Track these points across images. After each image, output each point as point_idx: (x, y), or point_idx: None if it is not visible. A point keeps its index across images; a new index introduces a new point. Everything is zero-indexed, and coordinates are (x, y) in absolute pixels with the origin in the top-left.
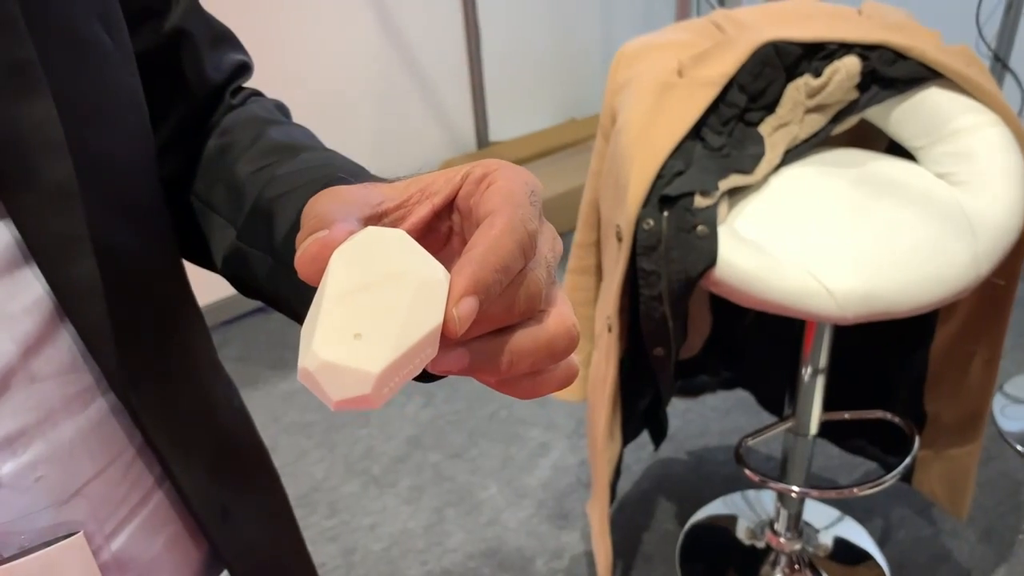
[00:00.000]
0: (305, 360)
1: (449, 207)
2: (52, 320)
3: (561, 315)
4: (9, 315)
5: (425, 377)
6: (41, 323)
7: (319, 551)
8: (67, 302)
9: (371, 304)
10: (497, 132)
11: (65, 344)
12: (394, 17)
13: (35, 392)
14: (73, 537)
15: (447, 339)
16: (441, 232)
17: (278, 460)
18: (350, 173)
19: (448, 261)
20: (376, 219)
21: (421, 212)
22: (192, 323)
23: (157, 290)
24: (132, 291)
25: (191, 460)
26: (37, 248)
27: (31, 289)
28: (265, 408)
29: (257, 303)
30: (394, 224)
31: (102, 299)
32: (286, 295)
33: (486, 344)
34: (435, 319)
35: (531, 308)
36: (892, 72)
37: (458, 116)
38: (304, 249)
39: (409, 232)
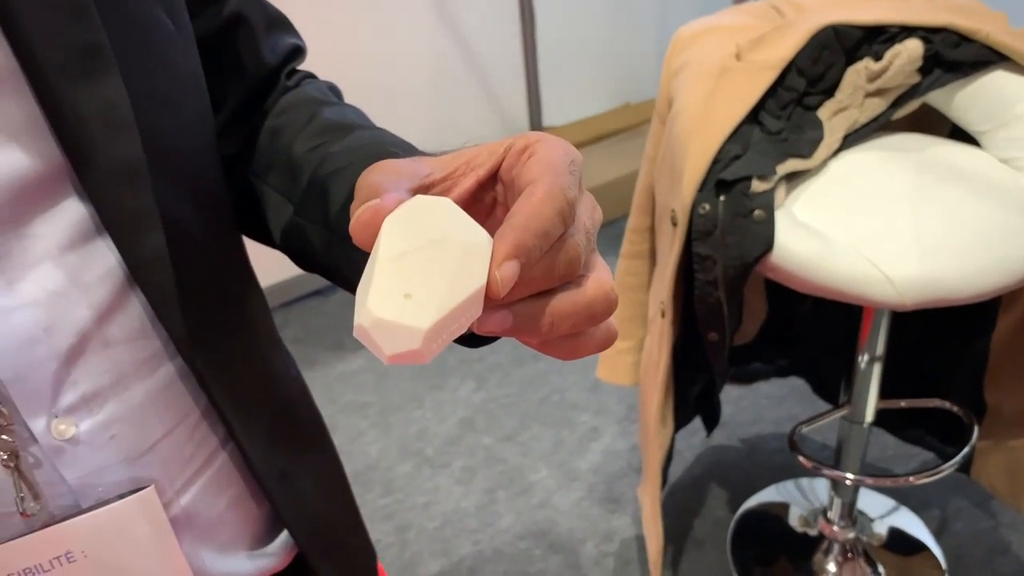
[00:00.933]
0: (360, 317)
1: (493, 178)
2: (123, 289)
3: (599, 280)
4: (84, 284)
5: (473, 341)
6: (113, 291)
7: (374, 528)
8: (137, 271)
9: (420, 266)
10: (551, 117)
11: (135, 311)
12: (450, 3)
13: (109, 356)
14: (146, 490)
15: (491, 300)
16: (485, 203)
17: (335, 439)
18: (400, 148)
19: (492, 230)
20: (424, 190)
21: (466, 183)
22: (252, 295)
23: (219, 262)
24: (196, 262)
25: (252, 424)
26: (109, 221)
27: (104, 259)
28: (322, 388)
29: (314, 286)
30: (441, 195)
31: (169, 269)
32: (341, 265)
33: (528, 307)
34: (479, 280)
35: (570, 272)
36: (956, 55)
37: (512, 101)
38: (357, 216)
39: (455, 202)
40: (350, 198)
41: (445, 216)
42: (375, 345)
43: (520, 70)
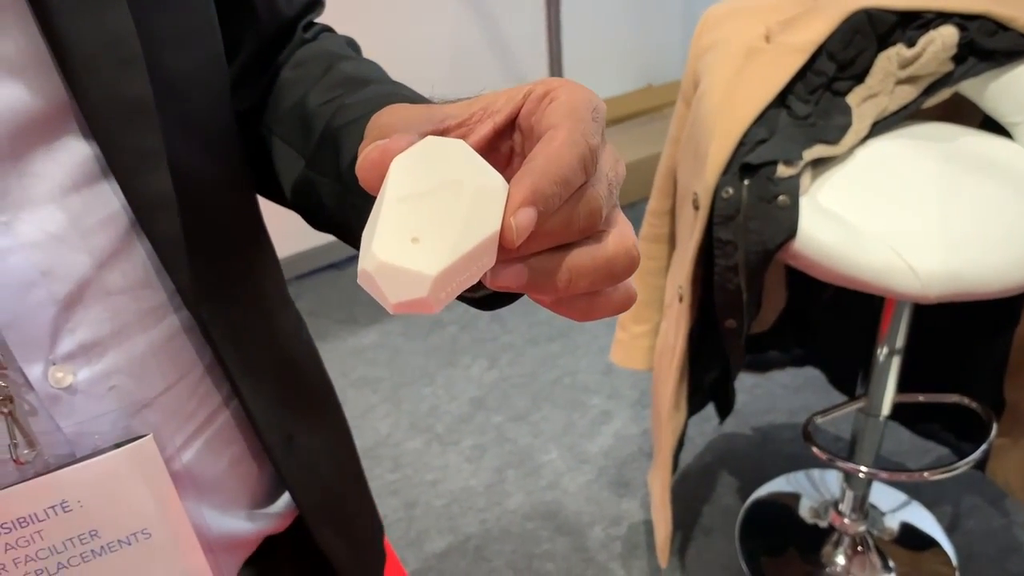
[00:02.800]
0: (364, 262)
1: (511, 126)
2: (127, 234)
3: (621, 235)
4: (85, 228)
5: (487, 304)
6: (116, 238)
7: (382, 503)
8: (143, 215)
9: (430, 209)
10: None
11: (139, 259)
12: None
13: (109, 305)
14: (143, 440)
15: (505, 250)
16: (502, 152)
17: (345, 414)
18: (415, 101)
19: (504, 178)
20: (438, 135)
21: (483, 130)
22: (262, 251)
23: (229, 213)
24: (205, 210)
25: (258, 383)
26: (115, 162)
27: (108, 203)
28: (334, 363)
29: (329, 259)
30: None
31: (176, 215)
32: (352, 220)
33: (545, 260)
34: (493, 226)
35: (591, 225)
36: (992, 44)
37: (534, 79)
38: (365, 155)
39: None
40: None
41: (458, 158)
42: (379, 292)
43: (543, 50)
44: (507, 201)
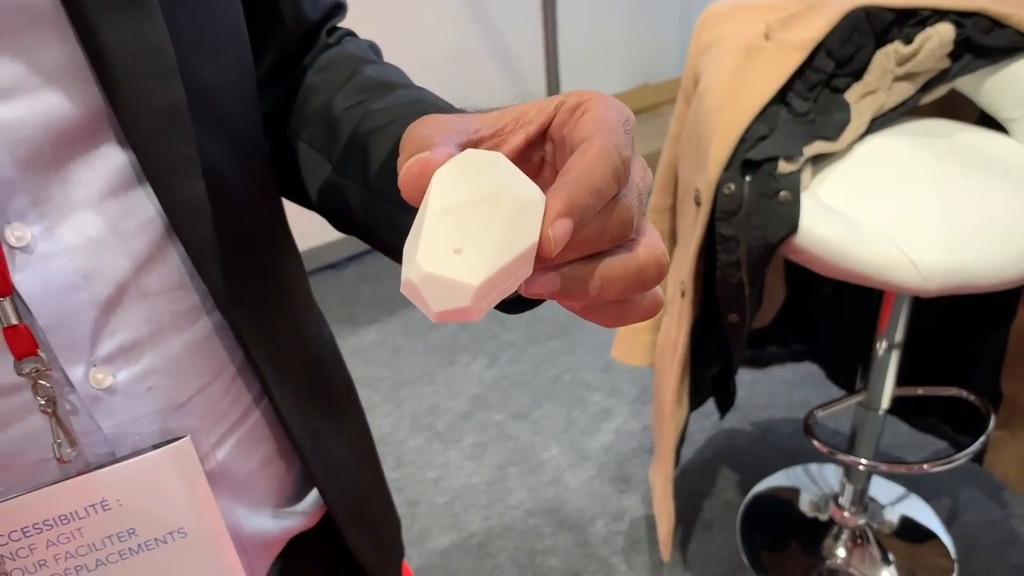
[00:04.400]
0: (409, 272)
1: (542, 136)
2: (163, 239)
3: (651, 244)
4: (124, 233)
5: (515, 307)
6: (152, 242)
7: None
8: (176, 221)
9: (471, 221)
10: None
11: (174, 262)
12: None
13: (147, 307)
14: (181, 441)
15: (541, 259)
16: (534, 161)
17: None
18: (444, 107)
19: (541, 190)
20: (472, 146)
21: (515, 141)
22: (289, 254)
23: (258, 217)
24: (236, 215)
25: (287, 382)
26: (150, 169)
27: (144, 209)
28: None
29: (328, 260)
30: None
31: (209, 220)
32: (379, 225)
33: (578, 269)
34: (531, 238)
35: (622, 234)
36: (988, 41)
37: (531, 78)
38: (407, 169)
39: None
40: (391, 156)
41: (497, 171)
42: (423, 301)
43: (540, 49)
44: (545, 213)
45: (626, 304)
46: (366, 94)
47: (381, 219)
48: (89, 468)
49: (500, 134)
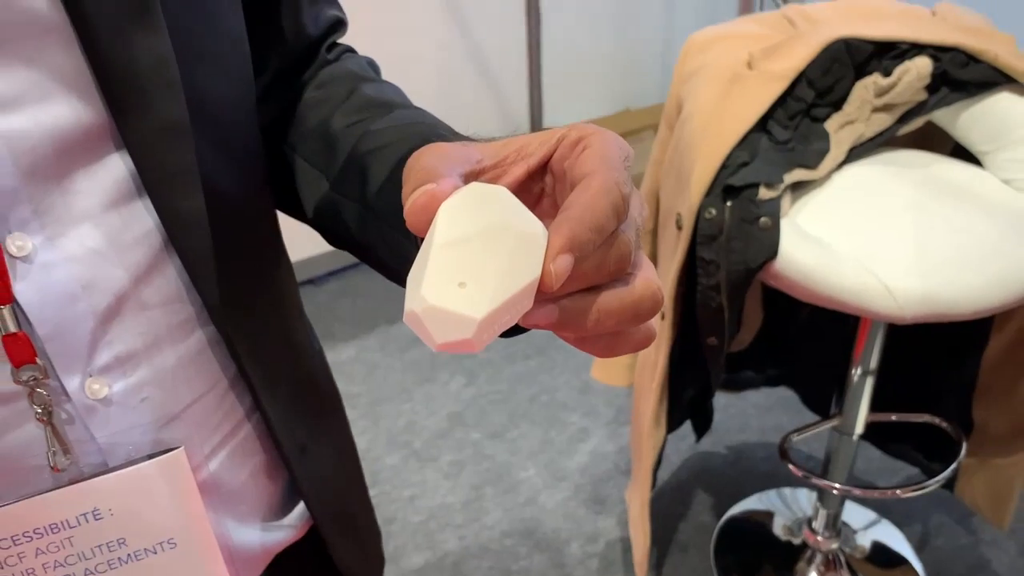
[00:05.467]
0: (413, 303)
1: (543, 169)
2: (161, 251)
3: (647, 278)
4: (123, 244)
5: (510, 331)
6: (151, 254)
7: None
8: (175, 234)
9: (475, 255)
10: (552, 119)
11: (172, 275)
12: (457, 2)
13: (144, 319)
14: (175, 452)
15: (541, 293)
16: (533, 192)
17: None
18: (443, 130)
19: (543, 224)
20: (474, 176)
21: (516, 172)
22: (282, 264)
23: (255, 229)
24: (234, 228)
25: (277, 394)
26: (150, 181)
27: (143, 221)
28: None
29: (306, 275)
30: (490, 182)
31: (207, 233)
32: (376, 244)
33: (576, 301)
34: (534, 272)
35: (620, 269)
36: (963, 75)
37: (514, 102)
38: (414, 200)
39: None
40: (391, 177)
41: (501, 204)
42: (426, 332)
43: (524, 72)
44: (547, 248)
45: (620, 336)
46: (365, 113)
47: (378, 238)
48: (82, 477)
49: (502, 165)
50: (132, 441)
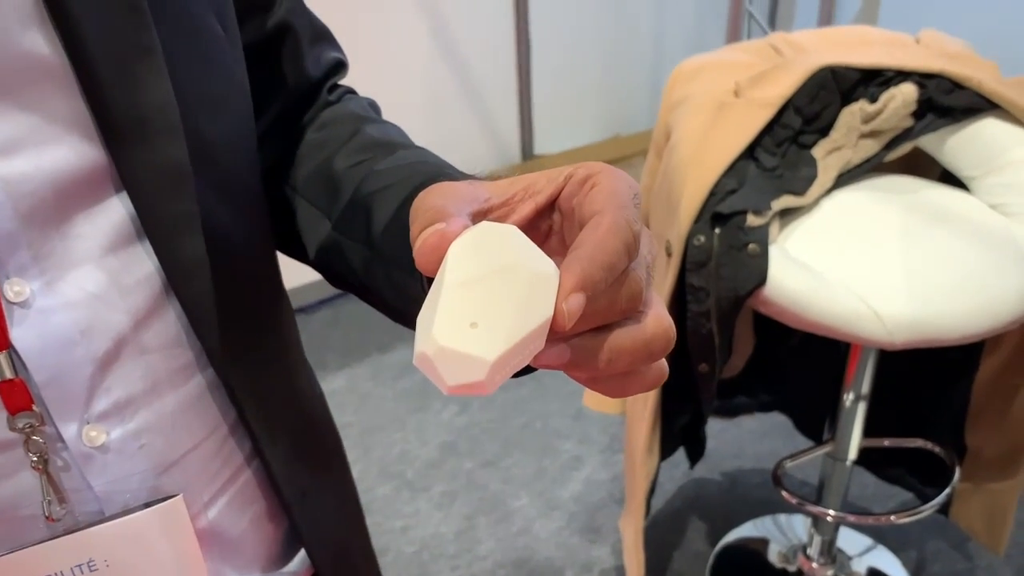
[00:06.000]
0: (424, 345)
1: (551, 206)
2: (161, 295)
3: (659, 316)
4: (123, 288)
5: (519, 372)
6: (151, 298)
7: None
8: (175, 278)
9: (486, 295)
10: (542, 146)
11: (172, 319)
12: (447, 29)
13: (143, 363)
14: (173, 500)
15: (553, 333)
16: (541, 230)
17: None
18: (448, 170)
19: (554, 263)
20: (482, 215)
21: (524, 210)
22: (284, 308)
23: (256, 273)
24: (235, 272)
25: (278, 440)
26: (150, 225)
27: (143, 265)
28: None
29: (297, 304)
30: (499, 220)
31: (207, 278)
32: (381, 286)
33: (587, 341)
34: (546, 312)
35: (632, 307)
36: (949, 101)
37: (505, 128)
38: (424, 240)
39: None
40: (395, 217)
41: (512, 244)
42: (436, 375)
43: (514, 98)
44: (559, 287)
45: (632, 375)
46: (368, 153)
47: (383, 280)
48: (78, 527)
49: (510, 203)
50: (129, 489)
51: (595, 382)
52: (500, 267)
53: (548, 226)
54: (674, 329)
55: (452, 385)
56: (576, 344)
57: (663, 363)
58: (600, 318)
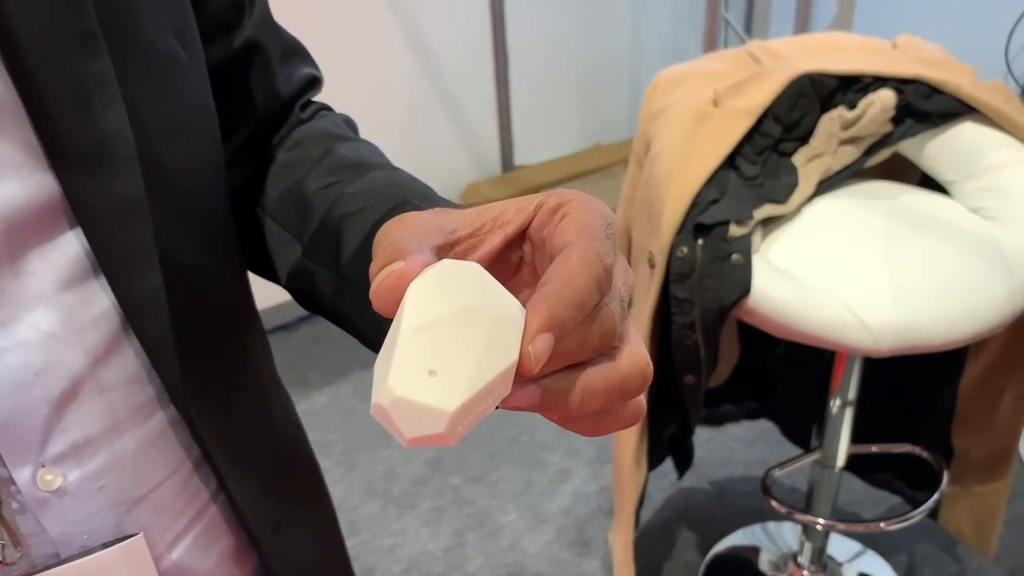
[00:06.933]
0: (379, 396)
1: (521, 237)
2: (119, 332)
3: (634, 352)
4: (79, 326)
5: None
6: (108, 334)
7: None
8: (132, 315)
9: (447, 340)
10: (522, 156)
11: (131, 355)
12: (423, 40)
13: (102, 402)
14: (133, 539)
15: (521, 376)
16: (512, 261)
17: None
18: (419, 195)
19: (518, 290)
20: (448, 247)
21: (493, 241)
22: (254, 336)
23: (220, 303)
24: (196, 305)
25: (246, 474)
26: (105, 260)
27: (99, 301)
28: None
29: (279, 321)
30: (466, 253)
31: (166, 313)
32: (349, 313)
33: (558, 381)
34: (511, 357)
35: (605, 344)
36: (927, 106)
37: (484, 139)
38: (380, 281)
39: (481, 261)
40: (364, 244)
41: (474, 283)
42: (394, 427)
43: (493, 109)
44: (525, 328)
45: (608, 414)
46: (339, 175)
47: (351, 307)
48: (35, 570)
49: (477, 234)
50: (88, 529)
51: (569, 421)
52: (461, 309)
53: (519, 257)
54: (651, 366)
55: (410, 438)
56: (546, 385)
57: (641, 400)
58: (571, 357)
